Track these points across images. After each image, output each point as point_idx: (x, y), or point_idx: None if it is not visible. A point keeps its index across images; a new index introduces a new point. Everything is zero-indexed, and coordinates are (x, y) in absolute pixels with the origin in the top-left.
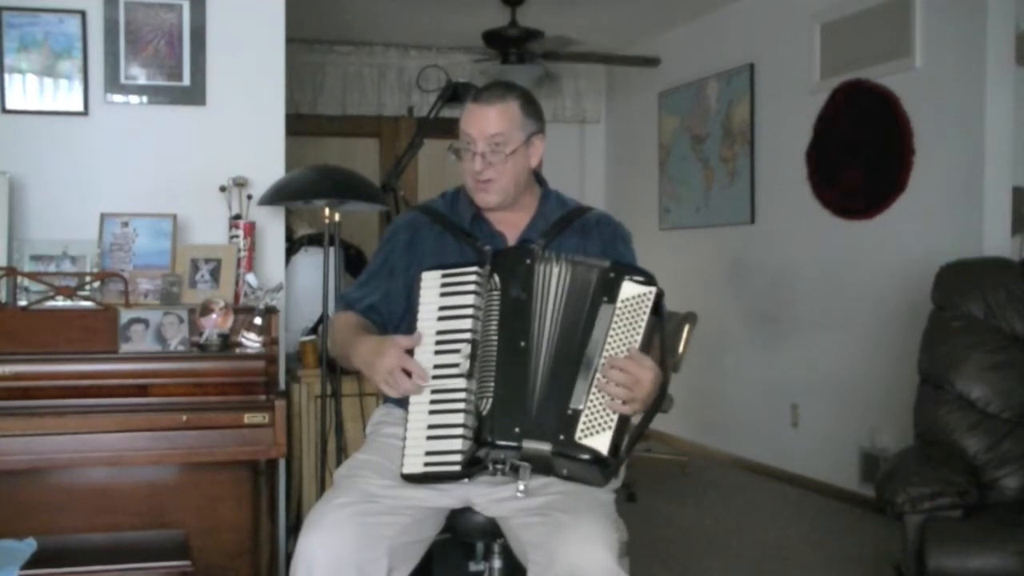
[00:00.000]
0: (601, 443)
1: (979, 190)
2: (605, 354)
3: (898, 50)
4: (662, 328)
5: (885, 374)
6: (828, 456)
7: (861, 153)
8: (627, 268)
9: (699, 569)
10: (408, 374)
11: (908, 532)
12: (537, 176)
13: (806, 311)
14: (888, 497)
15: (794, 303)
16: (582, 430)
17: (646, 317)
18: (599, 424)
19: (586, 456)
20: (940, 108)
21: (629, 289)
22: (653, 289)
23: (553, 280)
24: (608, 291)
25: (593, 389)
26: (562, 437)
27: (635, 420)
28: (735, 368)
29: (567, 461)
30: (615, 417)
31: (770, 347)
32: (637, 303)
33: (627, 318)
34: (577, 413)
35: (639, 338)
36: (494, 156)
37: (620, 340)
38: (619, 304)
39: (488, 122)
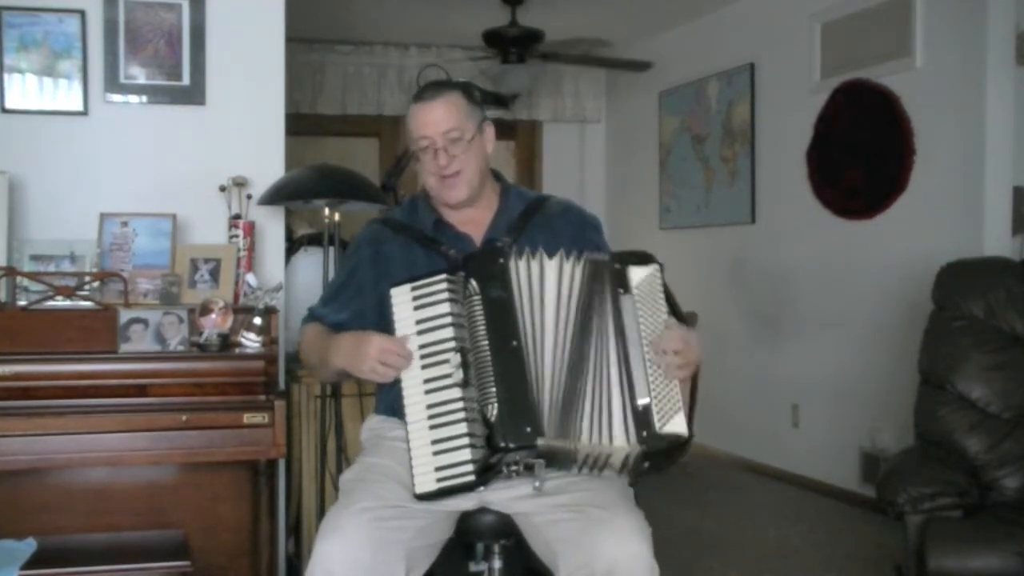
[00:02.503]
0: (679, 425)
1: (979, 190)
2: (645, 340)
3: (898, 50)
4: (672, 297)
5: (885, 374)
6: (828, 456)
7: (861, 153)
8: (626, 255)
9: (699, 569)
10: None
11: (908, 532)
12: (494, 173)
13: (806, 311)
14: (889, 497)
15: (794, 303)
16: (659, 419)
17: (662, 292)
18: (669, 408)
19: (668, 443)
20: (940, 108)
21: (637, 273)
22: (656, 265)
23: (534, 275)
24: (620, 282)
25: (649, 376)
26: (644, 434)
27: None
28: (735, 368)
29: (656, 455)
30: (678, 396)
31: (770, 347)
32: (649, 283)
33: (648, 300)
34: (648, 407)
35: (664, 313)
36: (455, 148)
37: (651, 321)
38: (635, 290)
39: (439, 118)
